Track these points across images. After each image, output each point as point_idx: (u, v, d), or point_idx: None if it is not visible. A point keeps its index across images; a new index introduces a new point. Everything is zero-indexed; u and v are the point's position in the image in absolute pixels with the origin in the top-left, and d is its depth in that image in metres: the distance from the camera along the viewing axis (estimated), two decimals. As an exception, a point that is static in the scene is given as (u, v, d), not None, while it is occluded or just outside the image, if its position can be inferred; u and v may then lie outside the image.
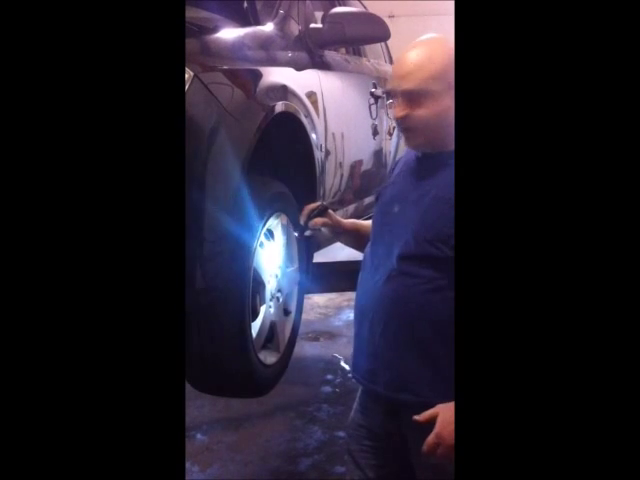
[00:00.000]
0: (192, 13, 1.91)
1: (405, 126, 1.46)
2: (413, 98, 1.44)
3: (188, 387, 1.69)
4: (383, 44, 3.63)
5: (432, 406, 1.43)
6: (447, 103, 1.41)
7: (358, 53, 3.11)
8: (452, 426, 1.28)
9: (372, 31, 2.30)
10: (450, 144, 1.45)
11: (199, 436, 2.85)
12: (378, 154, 2.92)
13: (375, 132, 2.77)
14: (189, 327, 1.51)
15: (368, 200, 2.86)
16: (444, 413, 1.35)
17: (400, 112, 1.45)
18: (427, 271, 1.41)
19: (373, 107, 2.62)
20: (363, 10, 2.54)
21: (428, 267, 1.41)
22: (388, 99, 1.52)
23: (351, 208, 2.68)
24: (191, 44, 1.52)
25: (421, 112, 1.44)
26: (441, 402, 1.41)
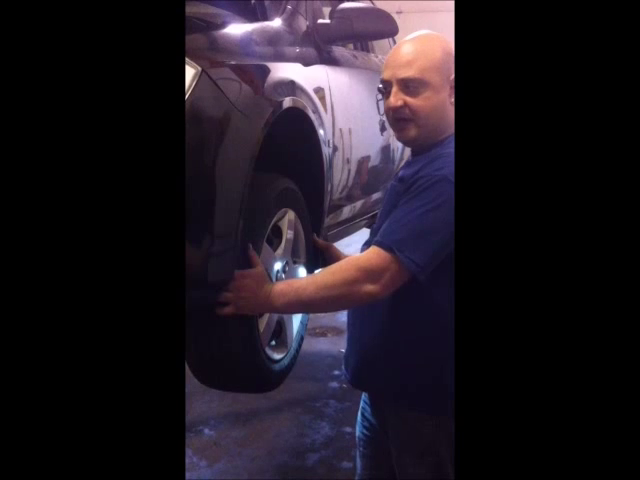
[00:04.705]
0: (200, 9, 1.91)
1: (400, 116, 1.45)
2: (411, 87, 1.42)
3: (196, 382, 1.69)
4: (391, 40, 3.63)
5: (397, 403, 1.48)
6: (444, 96, 1.40)
7: (366, 49, 3.11)
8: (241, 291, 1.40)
9: (380, 27, 2.30)
10: (435, 139, 1.44)
11: (207, 431, 2.86)
12: (386, 150, 2.92)
13: (383, 128, 2.76)
14: (197, 323, 1.51)
15: (376, 196, 2.86)
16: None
17: (397, 101, 1.43)
18: None
19: (381, 103, 2.61)
20: (371, 6, 2.53)
21: None
22: (380, 91, 1.51)
23: (359, 204, 2.68)
24: (199, 40, 1.52)
25: (418, 102, 1.42)
26: (402, 398, 1.46)
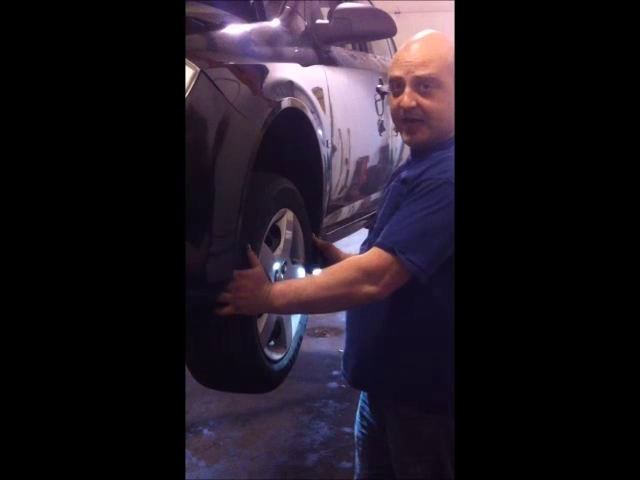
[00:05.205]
0: (199, 9, 1.91)
1: (411, 117, 1.42)
2: (425, 87, 1.40)
3: (195, 382, 1.69)
4: (389, 40, 3.63)
5: (397, 403, 1.48)
6: (452, 98, 1.40)
7: (364, 49, 3.11)
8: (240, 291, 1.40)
9: (378, 27, 2.30)
10: (441, 139, 1.44)
11: (206, 431, 2.86)
12: (384, 150, 2.92)
13: (381, 128, 2.76)
14: (197, 323, 1.51)
15: (374, 196, 2.86)
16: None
17: (411, 101, 1.40)
18: None
19: (379, 103, 2.62)
20: (369, 6, 2.53)
21: None
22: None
23: (357, 204, 2.68)
24: (197, 40, 1.52)
25: (432, 103, 1.40)
26: (402, 397, 1.46)
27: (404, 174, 1.46)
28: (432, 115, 1.41)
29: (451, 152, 1.38)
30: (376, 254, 1.36)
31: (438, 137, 1.44)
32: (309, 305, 1.44)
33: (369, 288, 1.35)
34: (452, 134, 1.43)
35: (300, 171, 1.91)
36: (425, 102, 1.40)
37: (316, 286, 1.39)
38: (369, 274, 1.35)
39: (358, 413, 1.66)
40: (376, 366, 1.51)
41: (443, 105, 1.40)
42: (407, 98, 1.41)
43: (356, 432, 1.68)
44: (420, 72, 1.39)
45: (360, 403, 1.66)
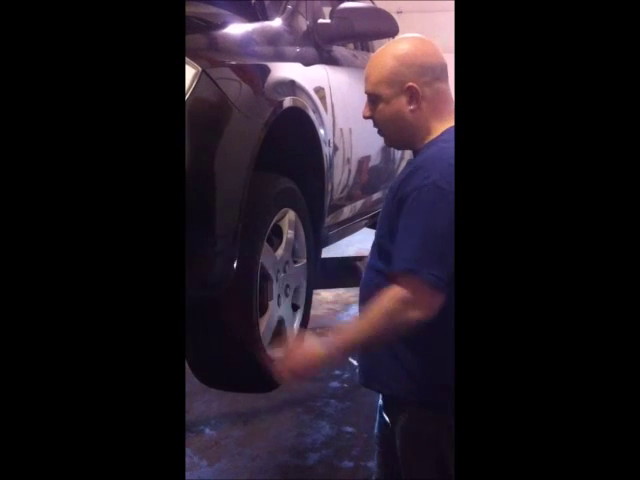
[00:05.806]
0: (200, 9, 1.91)
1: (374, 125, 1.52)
2: (371, 100, 1.49)
3: (196, 382, 1.70)
4: (391, 40, 3.62)
5: (402, 402, 1.48)
6: (397, 107, 1.44)
7: (366, 48, 3.11)
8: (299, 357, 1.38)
9: (380, 26, 2.30)
10: (416, 144, 1.47)
11: (207, 431, 2.86)
12: (386, 150, 2.92)
13: (383, 128, 2.76)
14: (198, 322, 1.51)
15: (376, 196, 2.86)
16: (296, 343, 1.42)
17: (365, 112, 1.52)
18: (381, 264, 1.42)
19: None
20: (371, 6, 2.53)
21: (382, 260, 1.42)
22: None
23: (359, 204, 2.68)
24: (199, 40, 1.52)
25: (376, 115, 1.49)
26: (406, 397, 1.46)
27: (393, 181, 1.51)
28: (379, 124, 1.49)
29: (431, 152, 1.40)
30: (402, 282, 1.36)
31: (401, 142, 1.52)
32: (368, 347, 1.46)
33: (414, 313, 1.35)
34: (426, 137, 1.45)
35: (302, 171, 1.91)
36: (372, 114, 1.49)
37: (367, 327, 1.39)
38: (405, 302, 1.35)
39: (377, 412, 1.67)
40: (380, 366, 1.51)
41: (383, 115, 1.48)
42: (364, 110, 1.51)
43: (375, 431, 1.69)
44: (364, 88, 1.49)
45: (378, 402, 1.67)
